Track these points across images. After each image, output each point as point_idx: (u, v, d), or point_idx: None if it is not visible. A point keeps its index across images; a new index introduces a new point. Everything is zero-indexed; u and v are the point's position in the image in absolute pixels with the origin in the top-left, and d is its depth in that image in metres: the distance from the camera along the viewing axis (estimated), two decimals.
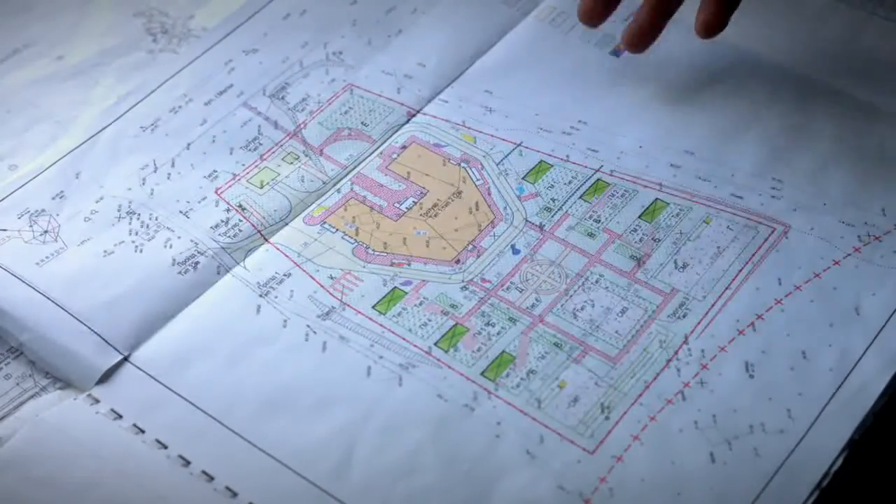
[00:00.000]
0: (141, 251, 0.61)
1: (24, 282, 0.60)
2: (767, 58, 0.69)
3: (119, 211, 0.63)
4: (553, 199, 0.63)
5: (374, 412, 0.55)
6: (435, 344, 0.58)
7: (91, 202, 0.64)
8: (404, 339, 0.58)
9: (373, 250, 0.61)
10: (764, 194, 0.63)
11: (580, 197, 0.63)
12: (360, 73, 0.70)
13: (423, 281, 0.60)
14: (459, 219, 0.63)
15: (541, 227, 0.62)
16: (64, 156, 0.66)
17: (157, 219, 0.63)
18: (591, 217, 0.62)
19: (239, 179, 0.65)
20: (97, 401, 0.56)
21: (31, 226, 0.63)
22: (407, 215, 0.63)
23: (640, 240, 0.61)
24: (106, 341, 0.58)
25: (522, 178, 0.64)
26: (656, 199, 0.63)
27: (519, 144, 0.66)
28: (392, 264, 0.61)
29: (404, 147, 0.66)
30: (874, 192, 0.63)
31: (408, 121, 0.67)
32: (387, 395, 0.56)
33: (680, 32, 0.70)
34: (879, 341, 0.57)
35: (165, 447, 0.55)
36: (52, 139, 0.67)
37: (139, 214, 0.63)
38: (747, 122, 0.66)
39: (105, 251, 0.61)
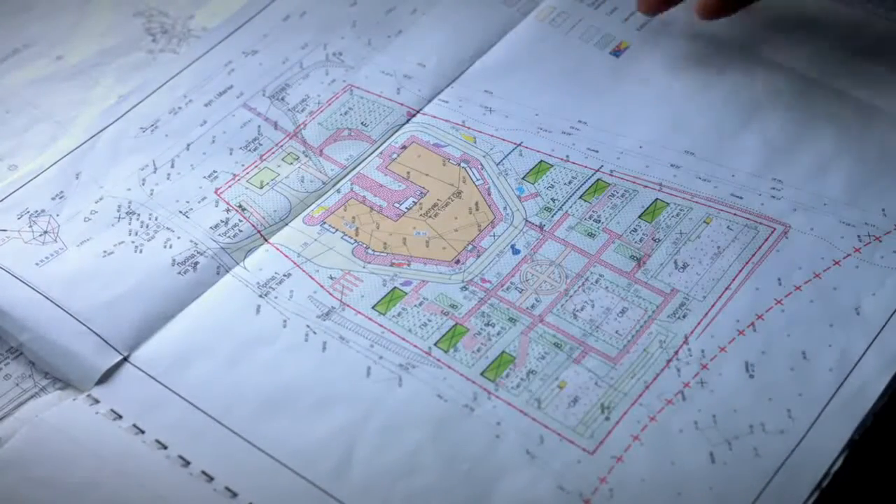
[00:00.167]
0: (141, 251, 0.61)
1: (23, 282, 0.60)
2: (767, 58, 0.69)
3: (119, 211, 0.63)
4: (553, 199, 0.63)
5: (374, 412, 0.55)
6: (435, 344, 0.58)
7: (91, 202, 0.64)
8: (404, 339, 0.58)
9: (372, 250, 0.61)
10: (764, 194, 0.63)
11: (580, 197, 0.63)
12: (360, 73, 0.70)
13: (423, 281, 0.60)
14: (459, 219, 0.63)
15: (541, 227, 0.62)
16: (64, 156, 0.66)
17: (156, 219, 0.63)
18: (591, 217, 0.62)
19: (239, 180, 0.65)
20: (97, 401, 0.56)
21: (30, 226, 0.63)
22: (407, 215, 0.63)
23: (640, 240, 0.61)
24: (105, 341, 0.58)
25: (522, 178, 0.64)
26: (656, 199, 0.63)
27: (519, 144, 0.66)
28: (392, 264, 0.61)
29: (404, 147, 0.66)
30: (874, 193, 0.63)
31: (408, 121, 0.67)
32: (387, 396, 0.56)
33: (680, 32, 0.70)
34: (879, 341, 0.57)
35: (165, 447, 0.55)
36: (52, 139, 0.67)
37: (139, 215, 0.63)
38: (747, 122, 0.66)
39: (105, 251, 0.61)
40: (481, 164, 0.65)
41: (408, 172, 0.65)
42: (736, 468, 0.53)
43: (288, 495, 0.53)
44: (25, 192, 0.64)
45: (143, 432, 0.55)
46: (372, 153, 0.66)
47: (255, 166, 0.65)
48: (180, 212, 0.63)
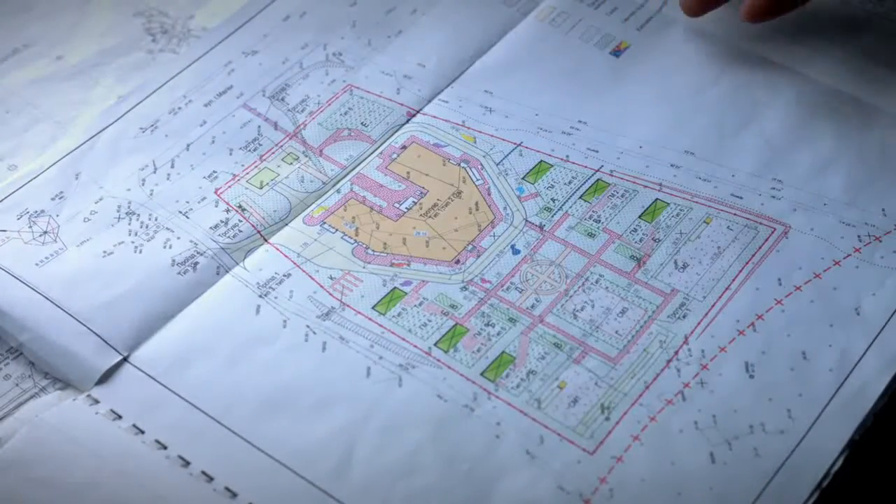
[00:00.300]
0: (140, 252, 0.61)
1: (23, 282, 0.60)
2: (768, 58, 0.69)
3: (118, 211, 0.63)
4: (553, 200, 0.63)
5: (374, 412, 0.55)
6: (435, 344, 0.58)
7: (90, 203, 0.64)
8: (404, 339, 0.58)
9: (372, 251, 0.61)
10: (764, 194, 0.63)
11: (580, 197, 0.63)
12: (360, 73, 0.70)
13: (423, 281, 0.60)
14: (459, 219, 0.63)
15: (541, 227, 0.62)
16: (63, 156, 0.66)
17: (156, 219, 0.63)
18: (591, 217, 0.62)
19: (238, 180, 0.65)
20: (97, 401, 0.56)
21: (30, 226, 0.63)
22: (407, 215, 0.63)
23: (640, 240, 0.61)
24: (105, 342, 0.58)
25: (522, 178, 0.64)
26: (656, 199, 0.63)
27: (519, 144, 0.66)
28: (392, 265, 0.61)
29: (404, 147, 0.66)
30: (874, 193, 0.63)
31: (408, 121, 0.67)
32: (387, 396, 0.56)
33: (680, 32, 0.70)
34: (879, 342, 0.57)
35: (165, 447, 0.55)
36: (52, 139, 0.67)
37: (139, 215, 0.63)
38: (747, 122, 0.66)
39: (104, 252, 0.61)
40: (481, 164, 0.65)
41: (408, 172, 0.65)
42: (736, 468, 0.53)
43: (288, 495, 0.53)
44: (25, 192, 0.64)
45: (142, 432, 0.55)
46: (372, 153, 0.66)
47: (255, 166, 0.65)
48: (180, 212, 0.63)
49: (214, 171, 0.65)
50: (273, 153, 0.66)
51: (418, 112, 0.67)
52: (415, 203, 0.63)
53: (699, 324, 0.58)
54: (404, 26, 0.72)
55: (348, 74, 0.69)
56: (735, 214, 0.62)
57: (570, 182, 0.64)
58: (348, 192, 0.64)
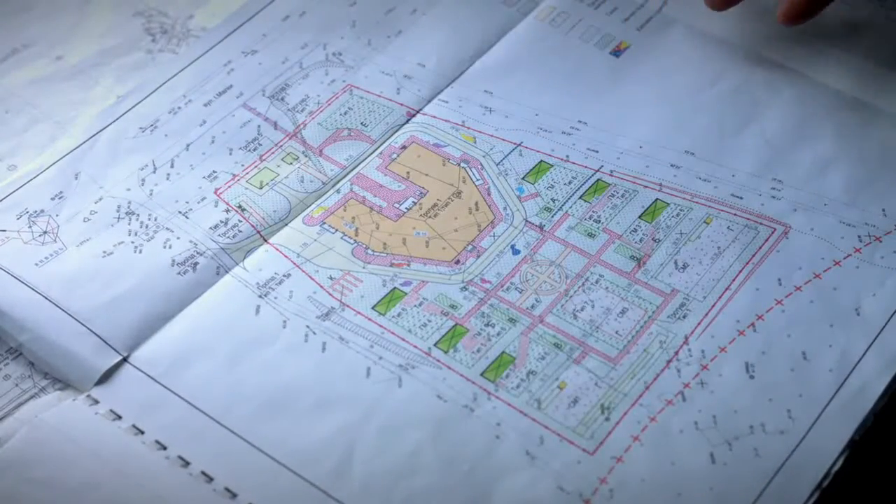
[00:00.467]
0: (140, 252, 0.61)
1: (23, 282, 0.60)
2: (767, 58, 0.69)
3: (118, 211, 0.63)
4: (553, 200, 0.63)
5: (374, 413, 0.55)
6: (435, 344, 0.58)
7: (90, 203, 0.64)
8: (404, 339, 0.58)
9: (372, 251, 0.61)
10: (764, 194, 0.63)
11: (580, 197, 0.63)
12: (360, 73, 0.69)
13: (423, 281, 0.60)
14: (459, 219, 0.63)
15: (541, 227, 0.62)
16: (63, 156, 0.66)
17: (156, 219, 0.63)
18: (591, 217, 0.62)
19: (238, 180, 0.65)
20: (96, 401, 0.56)
21: (30, 226, 0.63)
22: (406, 216, 0.63)
23: (640, 240, 0.61)
24: (105, 342, 0.58)
25: (522, 179, 0.64)
26: (656, 199, 0.63)
27: (519, 144, 0.66)
28: (392, 265, 0.61)
29: (404, 147, 0.66)
30: (874, 193, 0.63)
31: (407, 121, 0.67)
32: (386, 396, 0.56)
33: (680, 32, 0.70)
34: (880, 342, 0.57)
35: (165, 448, 0.55)
36: (52, 139, 0.67)
37: (138, 215, 0.63)
38: (747, 122, 0.66)
39: (104, 252, 0.61)
40: (481, 164, 0.65)
41: (407, 172, 0.65)
42: (736, 468, 0.53)
43: (288, 496, 0.53)
44: (25, 192, 0.64)
45: (142, 433, 0.55)
46: (372, 153, 0.66)
47: (255, 166, 0.65)
48: (180, 212, 0.63)
49: (214, 171, 0.65)
50: (273, 153, 0.66)
51: (418, 112, 0.67)
52: (415, 203, 0.63)
53: (699, 324, 0.58)
54: (404, 26, 0.72)
55: (348, 74, 0.69)
56: (735, 214, 0.62)
57: (570, 182, 0.64)
58: (348, 193, 0.64)
